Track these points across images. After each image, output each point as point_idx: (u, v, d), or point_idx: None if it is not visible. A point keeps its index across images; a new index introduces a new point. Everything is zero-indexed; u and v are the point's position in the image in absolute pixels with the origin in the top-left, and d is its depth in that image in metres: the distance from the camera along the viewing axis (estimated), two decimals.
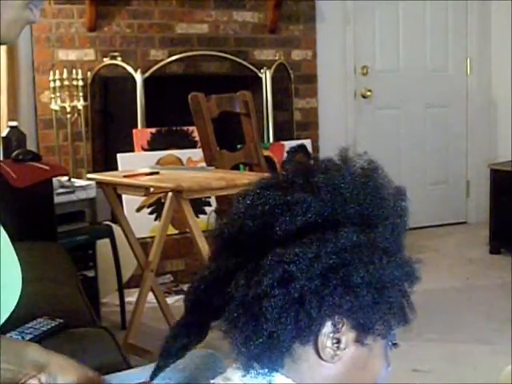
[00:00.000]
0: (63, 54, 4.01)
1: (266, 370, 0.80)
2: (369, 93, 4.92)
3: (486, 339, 3.05)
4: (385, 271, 0.80)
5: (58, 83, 3.88)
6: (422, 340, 3.09)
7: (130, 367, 1.65)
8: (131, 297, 3.26)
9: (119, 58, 4.07)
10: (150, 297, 2.98)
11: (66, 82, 3.90)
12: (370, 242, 0.81)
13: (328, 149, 4.82)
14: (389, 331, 0.84)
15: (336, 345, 0.80)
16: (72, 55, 4.05)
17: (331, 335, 0.80)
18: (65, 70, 3.92)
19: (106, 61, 4.07)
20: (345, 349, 0.80)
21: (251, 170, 3.28)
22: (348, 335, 0.80)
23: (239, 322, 0.78)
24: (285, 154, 4.41)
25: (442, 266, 4.23)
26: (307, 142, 4.55)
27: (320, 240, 0.78)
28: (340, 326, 0.79)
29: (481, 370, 2.74)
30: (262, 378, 0.80)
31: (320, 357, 0.80)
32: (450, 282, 3.90)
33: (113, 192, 2.86)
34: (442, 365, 2.82)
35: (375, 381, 0.86)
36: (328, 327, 0.79)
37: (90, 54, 4.09)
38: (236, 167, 3.29)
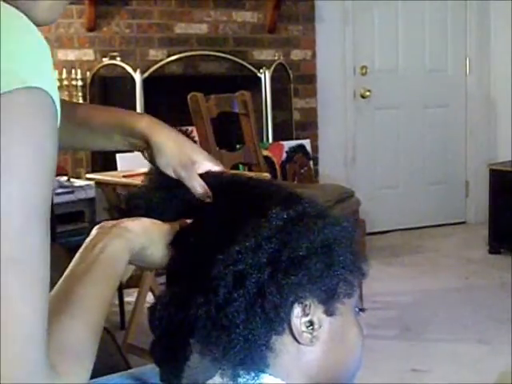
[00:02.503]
0: (62, 54, 4.01)
1: (253, 374, 0.80)
2: (368, 93, 4.92)
3: (486, 339, 3.05)
4: (325, 234, 0.81)
5: (57, 83, 3.87)
6: (421, 340, 3.09)
7: (129, 367, 1.64)
8: (130, 297, 3.26)
9: (118, 58, 4.06)
10: (150, 297, 2.98)
11: (66, 82, 3.90)
12: (301, 213, 0.82)
13: (327, 149, 4.82)
14: (353, 289, 0.84)
15: (311, 327, 0.81)
16: (71, 55, 4.04)
17: (303, 319, 0.80)
18: (64, 70, 3.91)
19: (106, 61, 4.07)
20: (320, 327, 0.81)
21: (250, 170, 3.27)
22: (317, 312, 0.81)
23: (212, 338, 0.79)
24: (284, 154, 4.40)
25: (442, 266, 4.23)
26: (306, 142, 4.55)
27: (254, 230, 0.80)
28: (307, 304, 0.80)
29: (481, 370, 2.73)
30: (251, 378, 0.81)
31: (299, 343, 0.81)
32: (450, 282, 3.90)
33: (112, 192, 2.85)
34: (442, 365, 2.82)
35: (356, 349, 0.87)
36: (296, 309, 0.80)
37: (89, 54, 4.09)
38: (235, 167, 3.29)
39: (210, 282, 0.78)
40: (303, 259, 0.79)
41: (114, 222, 0.87)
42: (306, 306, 0.80)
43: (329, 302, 0.81)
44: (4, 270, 0.60)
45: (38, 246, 0.63)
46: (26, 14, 0.68)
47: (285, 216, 0.81)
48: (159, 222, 0.90)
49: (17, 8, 0.67)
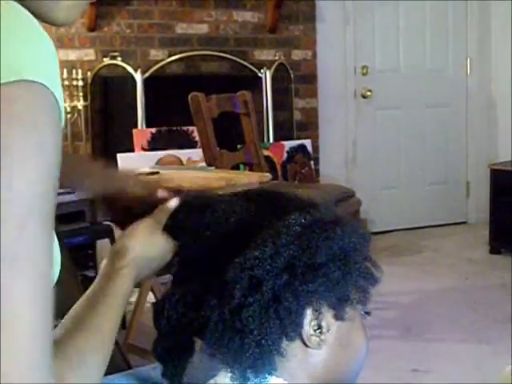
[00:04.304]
0: (63, 54, 4.01)
1: (261, 377, 0.80)
2: (369, 93, 4.92)
3: (486, 339, 3.05)
4: (343, 241, 0.81)
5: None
6: (422, 340, 3.09)
7: (129, 367, 1.65)
8: (131, 297, 3.26)
9: (119, 58, 4.07)
10: (150, 297, 2.98)
11: (66, 82, 3.90)
12: (318, 219, 0.82)
13: (328, 149, 4.83)
14: (366, 296, 0.84)
15: (319, 330, 0.80)
16: (72, 55, 4.05)
17: (312, 323, 0.80)
18: (65, 70, 3.92)
19: (106, 61, 4.07)
20: (328, 331, 0.81)
21: (251, 169, 3.28)
22: (327, 316, 0.81)
23: (223, 341, 0.78)
24: (285, 154, 4.41)
25: (442, 265, 4.23)
26: (307, 142, 4.55)
27: (272, 236, 0.79)
28: (320, 309, 0.80)
29: (481, 370, 2.73)
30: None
31: (307, 346, 0.81)
32: (450, 282, 3.90)
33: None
34: (442, 365, 2.82)
35: (361, 353, 0.87)
36: (309, 315, 0.80)
37: (90, 54, 4.09)
38: (236, 167, 3.29)
39: (226, 285, 0.78)
40: (321, 266, 0.78)
41: (118, 244, 0.88)
42: (317, 311, 0.80)
43: (340, 308, 0.81)
44: (3, 268, 0.59)
45: (38, 244, 0.61)
46: (48, 15, 0.68)
47: (303, 222, 0.80)
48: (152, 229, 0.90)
49: (39, 8, 0.67)
